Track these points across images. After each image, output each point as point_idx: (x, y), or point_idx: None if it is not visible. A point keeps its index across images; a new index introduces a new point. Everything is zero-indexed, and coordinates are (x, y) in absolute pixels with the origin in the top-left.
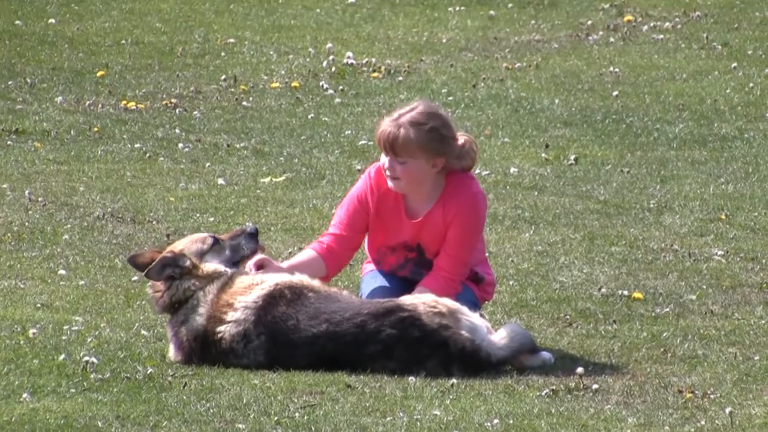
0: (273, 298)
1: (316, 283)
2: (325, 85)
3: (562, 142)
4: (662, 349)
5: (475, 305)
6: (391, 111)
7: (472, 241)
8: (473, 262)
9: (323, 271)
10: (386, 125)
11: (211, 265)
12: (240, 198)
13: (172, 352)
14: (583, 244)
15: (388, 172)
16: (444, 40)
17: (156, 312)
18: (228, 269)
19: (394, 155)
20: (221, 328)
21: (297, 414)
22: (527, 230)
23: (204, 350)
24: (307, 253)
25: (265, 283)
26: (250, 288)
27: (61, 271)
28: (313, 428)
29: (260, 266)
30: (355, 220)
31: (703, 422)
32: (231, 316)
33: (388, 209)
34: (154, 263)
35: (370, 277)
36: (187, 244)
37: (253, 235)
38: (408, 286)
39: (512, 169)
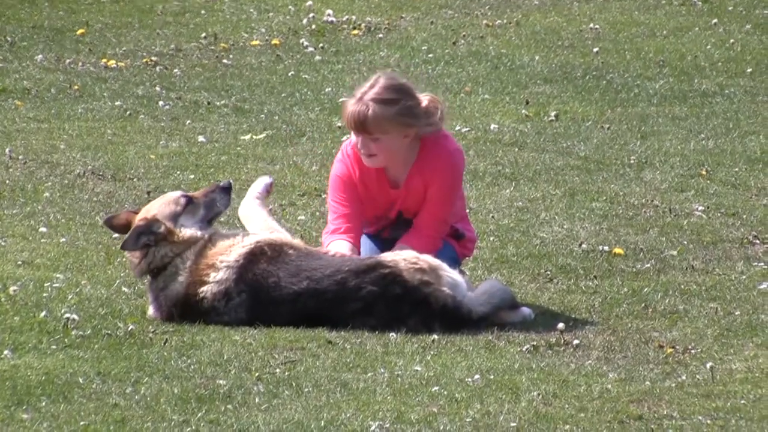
0: (254, 255)
1: (296, 241)
2: (306, 43)
3: (542, 98)
4: (643, 305)
5: (455, 261)
6: (352, 91)
7: (452, 198)
8: (454, 218)
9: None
10: (352, 106)
11: (187, 231)
12: (220, 155)
13: (151, 311)
14: (564, 200)
15: (362, 151)
16: None
17: (135, 276)
18: (204, 232)
19: (366, 134)
20: (203, 288)
21: (278, 370)
22: (508, 186)
23: (184, 314)
24: (343, 245)
25: (246, 241)
26: (231, 247)
27: (42, 229)
28: (293, 384)
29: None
30: (351, 195)
31: (684, 377)
32: (213, 276)
33: (372, 182)
34: (128, 234)
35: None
36: (161, 207)
37: (227, 190)
38: (388, 245)
39: (492, 126)
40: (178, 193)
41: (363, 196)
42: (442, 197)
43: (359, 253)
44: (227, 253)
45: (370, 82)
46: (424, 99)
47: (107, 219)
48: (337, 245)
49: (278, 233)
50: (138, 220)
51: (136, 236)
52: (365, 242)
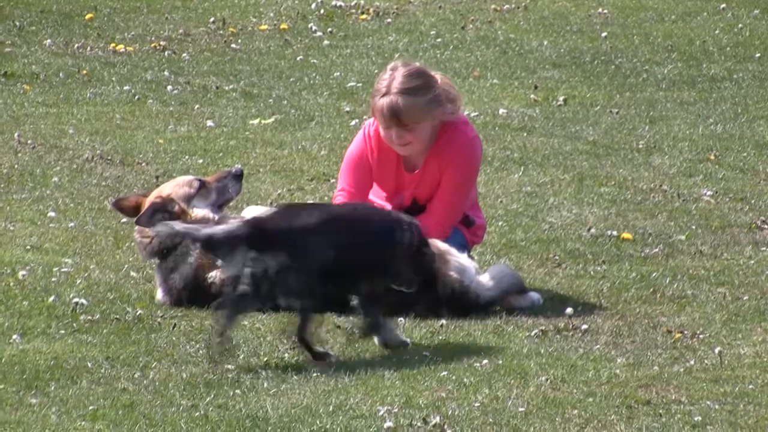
0: None
1: None
2: (314, 27)
3: (550, 83)
4: (651, 290)
5: (464, 248)
6: (375, 87)
7: (467, 186)
8: (466, 206)
9: None
10: (381, 101)
11: (200, 212)
12: (229, 140)
13: (159, 296)
14: (572, 184)
15: (397, 142)
16: None
17: (143, 257)
18: (215, 215)
19: (402, 126)
20: (212, 273)
21: (286, 355)
22: (516, 171)
23: (193, 297)
24: None
25: None
26: None
27: (51, 213)
28: (302, 369)
29: None
30: (360, 178)
31: (692, 362)
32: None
33: (388, 165)
34: (144, 210)
35: None
36: (175, 188)
37: (239, 177)
38: None
39: (501, 111)
40: (191, 176)
41: (377, 177)
42: (457, 184)
43: None
44: None
45: (389, 73)
46: (438, 78)
47: (116, 201)
48: None
49: None
50: (153, 197)
51: (151, 212)
52: None
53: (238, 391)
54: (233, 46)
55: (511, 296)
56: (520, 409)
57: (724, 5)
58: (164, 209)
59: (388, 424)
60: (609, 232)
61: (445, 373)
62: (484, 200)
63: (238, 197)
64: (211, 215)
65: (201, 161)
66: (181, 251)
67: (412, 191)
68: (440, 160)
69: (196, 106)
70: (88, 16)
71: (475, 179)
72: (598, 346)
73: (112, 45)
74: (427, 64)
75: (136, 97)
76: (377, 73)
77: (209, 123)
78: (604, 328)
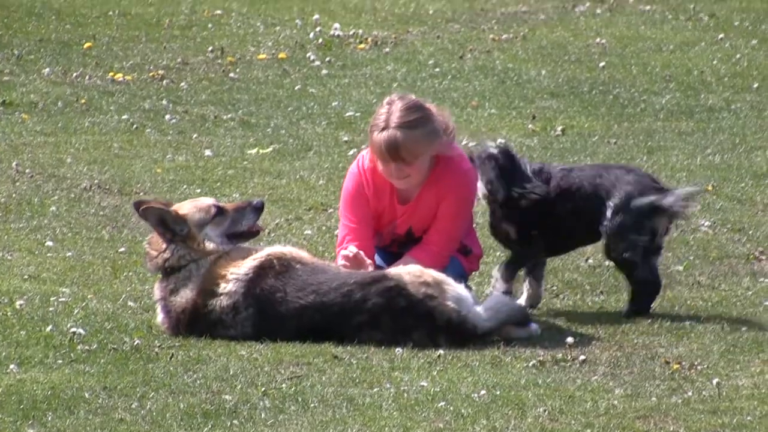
0: (263, 269)
1: (304, 254)
2: (312, 57)
3: (548, 113)
4: (649, 320)
5: (462, 277)
6: (373, 121)
7: (463, 217)
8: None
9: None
10: (380, 136)
11: (209, 243)
12: (227, 169)
13: (160, 318)
14: None
15: (396, 175)
16: (431, 12)
17: (147, 269)
18: (225, 247)
19: (401, 162)
20: (212, 301)
21: (284, 385)
22: None
23: (192, 322)
24: (352, 248)
25: (257, 254)
26: (243, 260)
27: (49, 243)
28: (299, 399)
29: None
30: (361, 211)
31: (690, 393)
32: (223, 288)
33: (383, 197)
34: (156, 207)
35: None
36: (191, 210)
37: (258, 210)
38: (396, 259)
39: (499, 141)
40: (211, 201)
41: (372, 209)
42: (454, 214)
43: (372, 257)
44: (238, 265)
45: (386, 107)
46: (434, 110)
47: (138, 201)
48: (347, 250)
49: (290, 247)
50: (172, 209)
51: (159, 217)
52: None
53: (235, 422)
54: (231, 75)
55: (509, 326)
56: None
57: (722, 35)
58: (172, 225)
59: None
60: (607, 263)
61: (442, 403)
62: (482, 230)
63: (263, 233)
64: (219, 248)
65: (199, 191)
66: (184, 275)
67: (407, 223)
68: (437, 191)
69: (194, 136)
70: (86, 45)
71: (471, 210)
72: (596, 376)
73: (111, 74)
74: (426, 93)
75: (135, 126)
76: (375, 103)
77: (207, 152)
78: (602, 359)
